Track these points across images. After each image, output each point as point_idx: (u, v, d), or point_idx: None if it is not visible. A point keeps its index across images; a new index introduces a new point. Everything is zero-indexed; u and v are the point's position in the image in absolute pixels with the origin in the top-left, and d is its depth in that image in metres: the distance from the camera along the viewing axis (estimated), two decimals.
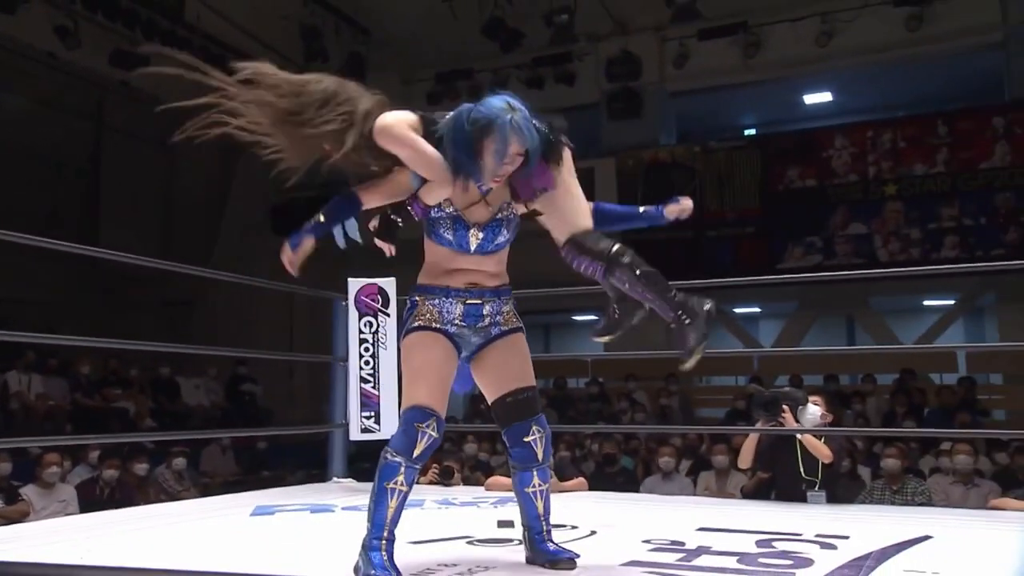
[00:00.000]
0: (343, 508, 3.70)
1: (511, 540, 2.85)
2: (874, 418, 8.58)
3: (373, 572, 2.20)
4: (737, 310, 12.08)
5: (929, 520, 3.39)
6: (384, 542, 2.26)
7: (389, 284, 4.67)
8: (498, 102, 2.25)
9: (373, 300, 4.58)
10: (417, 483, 4.83)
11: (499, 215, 2.41)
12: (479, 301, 2.42)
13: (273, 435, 8.67)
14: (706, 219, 11.17)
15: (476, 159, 2.25)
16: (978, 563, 2.64)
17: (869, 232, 10.56)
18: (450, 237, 2.39)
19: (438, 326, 2.39)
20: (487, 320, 2.46)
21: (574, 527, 3.13)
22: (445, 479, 4.73)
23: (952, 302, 11.32)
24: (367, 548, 2.27)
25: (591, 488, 4.62)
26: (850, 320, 11.73)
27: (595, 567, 2.45)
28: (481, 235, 2.39)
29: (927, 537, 2.88)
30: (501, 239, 2.45)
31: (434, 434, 2.29)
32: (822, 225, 10.75)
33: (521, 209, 2.46)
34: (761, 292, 11.42)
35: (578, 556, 2.43)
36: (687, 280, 6.27)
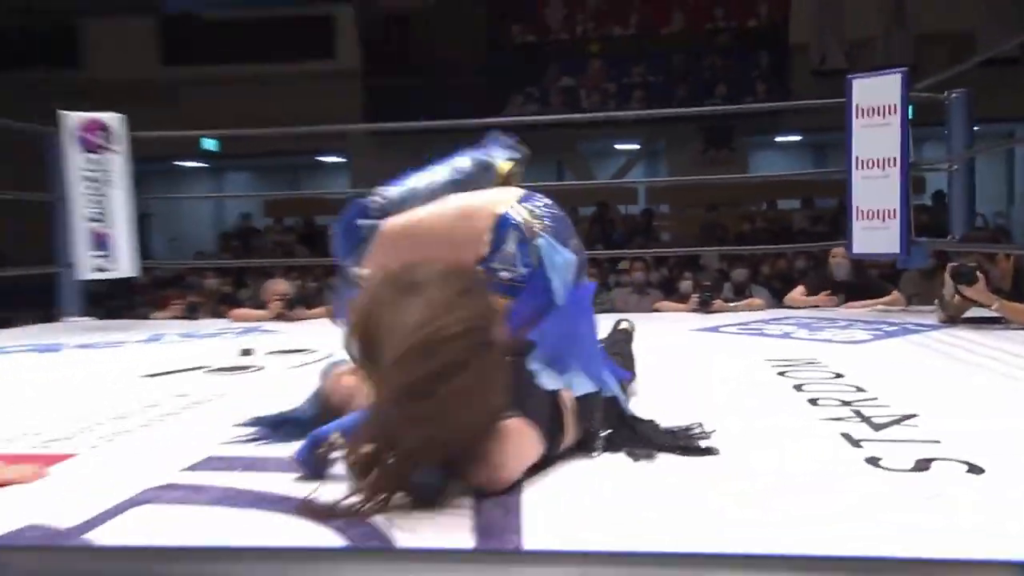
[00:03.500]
0: (74, 346, 3.24)
1: (249, 367, 2.66)
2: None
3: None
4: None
5: (610, 321, 3.65)
6: None
7: (115, 120, 3.99)
8: None
9: (95, 135, 3.89)
10: (158, 318, 4.44)
11: None
12: None
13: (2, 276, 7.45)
14: (439, 68, 10.83)
15: None
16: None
17: (576, 85, 10.85)
18: None
19: None
20: None
21: (313, 351, 2.99)
22: (190, 314, 4.33)
23: (637, 146, 12.14)
24: None
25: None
26: (559, 162, 12.23)
27: None
28: None
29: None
30: None
31: None
32: (538, 78, 10.87)
33: None
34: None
35: None
36: (423, 123, 6.14)
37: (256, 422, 1.69)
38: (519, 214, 1.52)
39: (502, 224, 1.50)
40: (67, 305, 4.15)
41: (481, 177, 1.73)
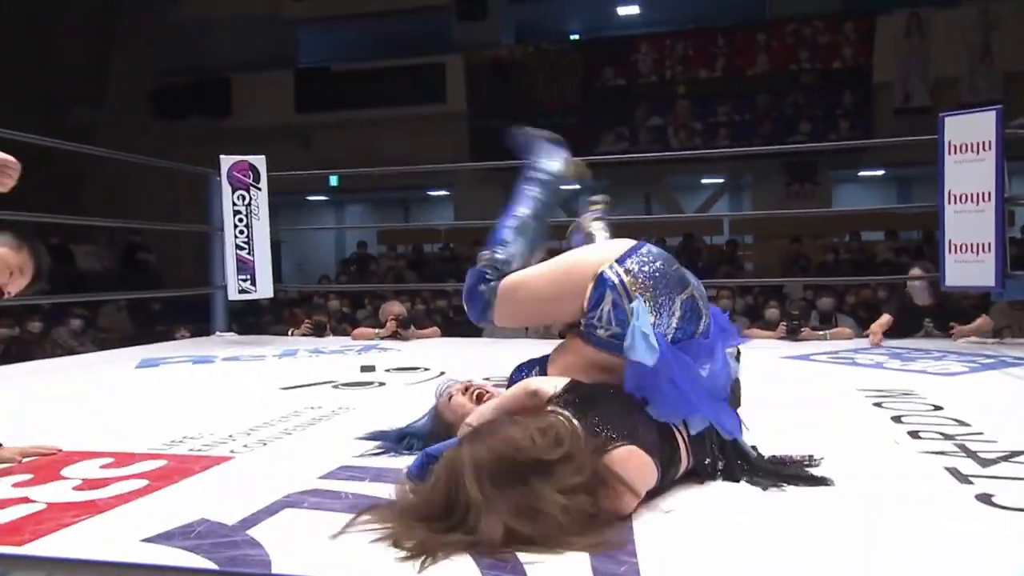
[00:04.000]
0: (223, 359, 3.42)
1: (371, 383, 2.73)
2: None
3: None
4: (562, 187, 12.14)
5: None
6: None
7: (259, 161, 4.23)
8: None
9: (244, 175, 4.13)
10: (291, 335, 4.63)
11: None
12: None
13: (165, 296, 8.02)
14: (537, 109, 10.97)
15: None
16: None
17: (664, 124, 10.74)
18: None
19: None
20: None
21: (427, 368, 3.04)
22: (318, 332, 4.50)
23: (722, 180, 11.87)
24: None
25: (443, 335, 4.55)
26: (647, 195, 12.09)
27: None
28: None
29: None
30: None
31: None
32: (628, 118, 10.83)
33: None
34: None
35: None
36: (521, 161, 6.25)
37: (379, 436, 1.73)
38: (617, 274, 1.48)
39: (599, 284, 1.47)
40: (217, 321, 4.41)
41: (558, 191, 1.81)
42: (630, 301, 1.45)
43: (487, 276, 1.67)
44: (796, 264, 8.75)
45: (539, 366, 1.65)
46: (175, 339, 4.82)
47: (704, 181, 12.09)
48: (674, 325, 1.49)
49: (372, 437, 1.74)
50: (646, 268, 1.50)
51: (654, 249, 1.56)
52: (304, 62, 12.78)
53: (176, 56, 11.63)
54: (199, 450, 1.70)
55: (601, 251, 1.58)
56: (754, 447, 1.51)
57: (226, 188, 4.13)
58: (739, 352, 1.80)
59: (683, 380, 1.39)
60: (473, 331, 6.09)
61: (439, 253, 10.79)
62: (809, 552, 1.08)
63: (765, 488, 1.35)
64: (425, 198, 13.90)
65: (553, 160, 1.84)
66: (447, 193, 12.75)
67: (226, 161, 4.13)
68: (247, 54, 11.85)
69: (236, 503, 1.29)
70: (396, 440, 1.69)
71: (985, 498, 1.30)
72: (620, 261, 1.50)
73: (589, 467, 1.14)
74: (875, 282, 6.57)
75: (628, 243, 1.57)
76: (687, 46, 10.70)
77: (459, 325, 6.38)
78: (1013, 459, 1.55)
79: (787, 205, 10.30)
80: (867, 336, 3.77)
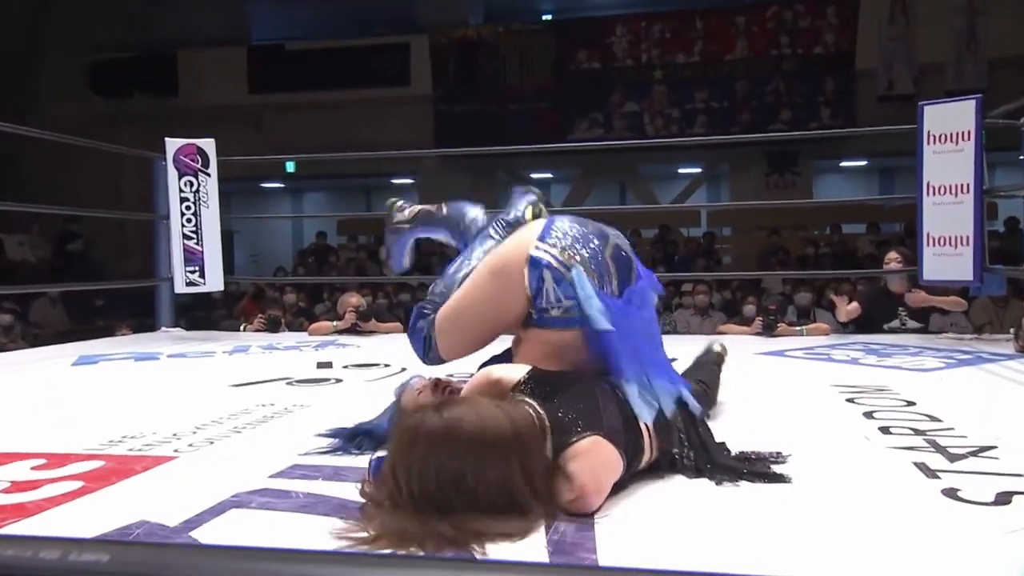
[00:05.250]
0: (169, 356, 3.39)
1: (328, 380, 2.72)
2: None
3: None
4: (533, 175, 12.19)
5: (674, 345, 3.60)
6: None
7: (208, 145, 4.17)
8: None
9: (192, 160, 4.08)
10: (244, 331, 4.60)
11: None
12: None
13: (107, 288, 7.87)
14: (507, 93, 10.99)
15: None
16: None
17: (640, 110, 10.82)
18: None
19: None
20: None
21: (387, 364, 3.05)
22: (272, 328, 4.47)
23: (699, 170, 12.00)
24: None
25: (405, 330, 4.54)
26: (622, 184, 12.18)
27: None
28: None
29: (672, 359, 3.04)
30: None
31: None
32: (603, 103, 10.88)
33: None
34: (553, 159, 11.54)
35: None
36: (490, 147, 6.23)
37: (335, 434, 1.74)
38: (545, 252, 1.52)
39: (534, 266, 1.52)
40: (163, 316, 4.35)
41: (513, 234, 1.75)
42: (569, 271, 1.51)
43: (425, 311, 1.69)
44: (775, 257, 8.91)
45: (504, 361, 1.67)
46: (116, 336, 4.75)
47: (681, 171, 12.22)
48: (615, 284, 1.56)
49: (329, 435, 1.75)
50: (567, 237, 1.56)
51: (563, 217, 1.63)
52: (257, 39, 12.60)
53: (117, 29, 11.38)
54: (140, 450, 1.69)
55: (517, 240, 1.61)
56: (722, 443, 1.56)
57: (172, 173, 4.07)
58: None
59: (638, 339, 1.49)
60: None
61: None
62: (767, 549, 1.12)
63: (719, 483, 1.40)
64: (388, 186, 13.82)
65: (522, 206, 1.86)
66: (412, 181, 12.70)
67: (172, 144, 4.08)
68: (195, 29, 11.65)
69: (179, 504, 1.29)
70: (349, 438, 1.70)
71: (951, 492, 1.36)
72: (541, 239, 1.55)
73: (547, 458, 1.18)
74: (855, 276, 6.72)
75: (539, 223, 1.62)
76: (664, 29, 10.79)
77: None
78: (982, 454, 1.61)
79: (766, 196, 10.47)
80: (806, 327, 4.01)
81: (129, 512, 1.25)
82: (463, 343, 1.66)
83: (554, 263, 1.51)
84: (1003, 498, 1.32)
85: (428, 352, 1.68)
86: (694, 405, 1.53)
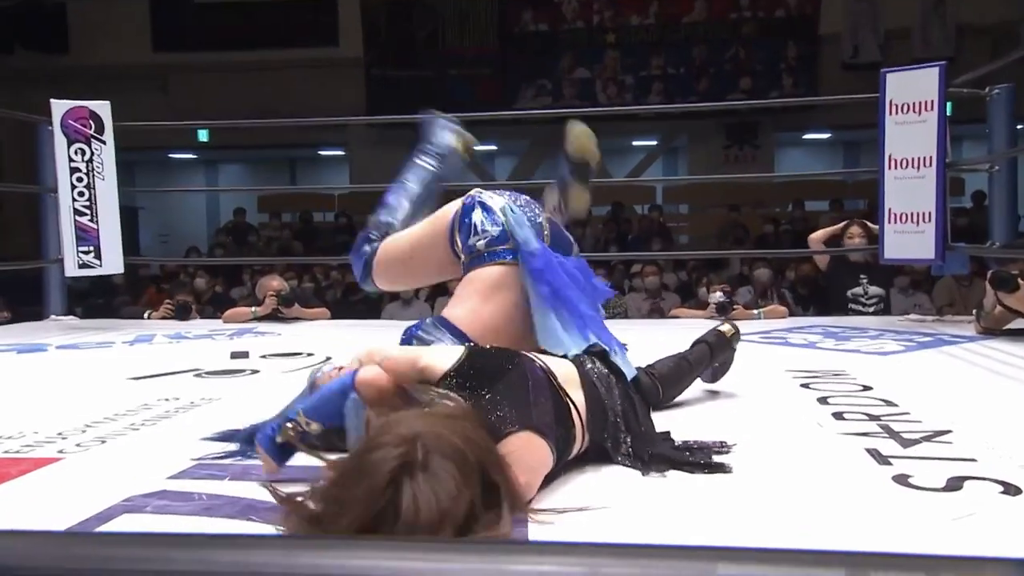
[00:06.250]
0: (58, 347, 3.27)
1: (243, 371, 2.67)
2: (589, 245, 9.15)
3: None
4: (475, 147, 12.12)
5: (625, 330, 3.65)
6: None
7: (102, 107, 4.02)
8: None
9: (83, 125, 3.93)
10: (148, 319, 4.47)
11: None
12: None
13: None
14: (446, 57, 10.88)
15: None
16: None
17: (591, 77, 10.86)
18: None
19: None
20: None
21: (310, 354, 3.00)
22: (181, 315, 4.35)
23: (655, 143, 12.13)
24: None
25: (333, 317, 4.50)
26: None
27: None
28: None
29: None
30: None
31: None
32: (551, 69, 10.88)
33: None
34: (498, 130, 11.49)
35: None
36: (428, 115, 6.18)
37: (228, 436, 1.67)
38: (478, 194, 1.81)
39: (466, 206, 1.79)
40: (52, 303, 4.19)
41: (449, 164, 2.13)
42: (499, 208, 1.76)
43: (371, 237, 1.94)
44: (732, 236, 9.10)
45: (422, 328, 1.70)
46: None
47: (635, 143, 12.34)
48: (547, 236, 1.78)
49: (220, 438, 1.67)
50: (505, 195, 1.82)
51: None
52: None
53: None
54: (18, 451, 1.63)
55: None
56: (666, 432, 1.59)
57: (60, 140, 3.91)
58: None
59: (569, 288, 1.67)
60: (370, 313, 6.06)
61: (332, 222, 10.60)
62: (709, 537, 1.15)
63: (645, 473, 1.43)
64: (315, 158, 13.57)
65: (443, 134, 2.17)
66: (341, 153, 12.50)
67: (59, 107, 3.91)
68: None
69: (62, 510, 1.25)
70: (247, 440, 1.63)
71: (902, 479, 1.41)
72: (478, 193, 1.83)
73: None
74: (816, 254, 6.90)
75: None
76: None
77: (354, 306, 6.33)
78: (936, 439, 1.68)
79: (726, 171, 10.65)
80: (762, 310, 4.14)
81: (5, 519, 1.21)
82: (397, 273, 1.96)
83: (485, 198, 1.79)
84: (954, 484, 1.38)
85: (366, 275, 1.94)
86: (629, 370, 1.61)
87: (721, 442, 1.58)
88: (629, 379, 1.60)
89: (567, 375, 1.47)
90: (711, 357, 2.12)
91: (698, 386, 2.22)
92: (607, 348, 1.63)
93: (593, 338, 1.62)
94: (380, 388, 1.37)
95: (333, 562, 0.56)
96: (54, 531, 1.10)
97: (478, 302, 1.68)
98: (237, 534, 1.06)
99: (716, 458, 1.48)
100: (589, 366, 1.54)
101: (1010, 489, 1.35)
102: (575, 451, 1.41)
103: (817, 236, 4.55)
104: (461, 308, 1.70)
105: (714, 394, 2.19)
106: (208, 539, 0.77)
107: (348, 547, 0.61)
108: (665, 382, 2.02)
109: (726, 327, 2.20)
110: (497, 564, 0.56)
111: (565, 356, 1.57)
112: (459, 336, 1.63)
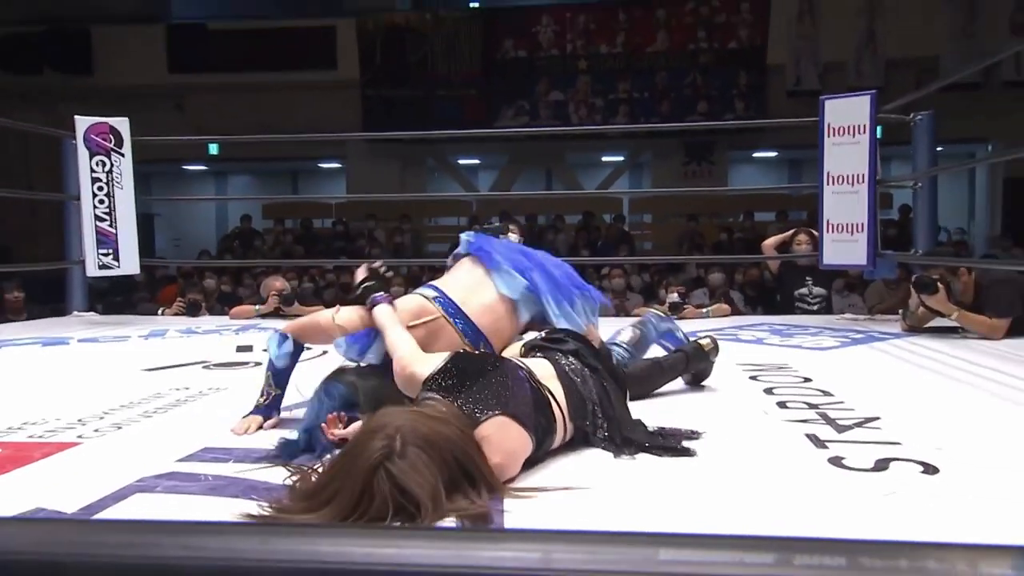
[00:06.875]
0: (79, 340, 3.22)
1: (247, 363, 2.65)
2: (563, 250, 9.16)
3: None
4: (461, 161, 12.11)
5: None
6: None
7: (121, 124, 3.97)
8: None
9: (104, 139, 3.87)
10: (161, 315, 4.41)
11: None
12: None
13: (17, 272, 7.39)
14: (435, 80, 10.86)
15: None
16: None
17: (565, 99, 10.88)
18: None
19: None
20: None
21: (308, 348, 2.97)
22: (192, 312, 4.30)
23: (622, 159, 12.18)
24: None
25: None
26: (548, 171, 12.24)
27: None
28: None
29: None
30: None
31: None
32: (529, 91, 10.89)
33: None
34: (481, 146, 11.51)
35: None
36: (418, 132, 6.16)
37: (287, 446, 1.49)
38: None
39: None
40: (75, 300, 4.12)
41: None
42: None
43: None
44: (690, 243, 9.15)
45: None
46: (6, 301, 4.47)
47: (604, 159, 12.38)
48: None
49: (279, 452, 1.46)
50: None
51: None
52: (178, 17, 12.02)
53: (26, 0, 10.67)
54: (41, 436, 1.60)
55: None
56: (639, 420, 1.59)
57: (83, 153, 3.85)
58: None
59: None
60: None
61: (330, 228, 10.54)
62: (663, 514, 1.15)
63: (616, 455, 1.43)
64: (315, 170, 13.48)
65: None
66: (339, 166, 12.41)
67: (82, 123, 3.85)
68: (111, 4, 11.03)
69: (80, 489, 1.23)
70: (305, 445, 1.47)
71: (837, 461, 1.43)
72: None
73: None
74: (767, 260, 6.96)
75: None
76: (589, 20, 10.86)
77: (351, 304, 6.28)
78: (866, 424, 1.70)
79: (685, 184, 10.72)
80: (710, 309, 4.21)
81: (24, 500, 1.19)
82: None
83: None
84: (881, 465, 1.40)
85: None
86: (576, 324, 1.74)
87: (692, 430, 1.59)
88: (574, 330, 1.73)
89: (544, 372, 1.48)
90: (687, 365, 2.12)
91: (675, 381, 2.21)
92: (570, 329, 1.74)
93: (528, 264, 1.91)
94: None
95: (307, 548, 0.57)
96: (41, 518, 1.08)
97: (448, 274, 1.96)
98: (220, 521, 1.05)
99: (684, 443, 1.49)
100: (563, 362, 1.54)
101: (929, 469, 1.37)
102: (559, 438, 1.41)
103: (769, 243, 4.59)
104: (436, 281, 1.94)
105: (673, 386, 2.20)
106: (193, 526, 0.77)
107: (319, 535, 0.61)
108: (633, 380, 2.01)
109: (705, 341, 2.18)
110: (458, 551, 0.56)
111: (542, 347, 1.60)
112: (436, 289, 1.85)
